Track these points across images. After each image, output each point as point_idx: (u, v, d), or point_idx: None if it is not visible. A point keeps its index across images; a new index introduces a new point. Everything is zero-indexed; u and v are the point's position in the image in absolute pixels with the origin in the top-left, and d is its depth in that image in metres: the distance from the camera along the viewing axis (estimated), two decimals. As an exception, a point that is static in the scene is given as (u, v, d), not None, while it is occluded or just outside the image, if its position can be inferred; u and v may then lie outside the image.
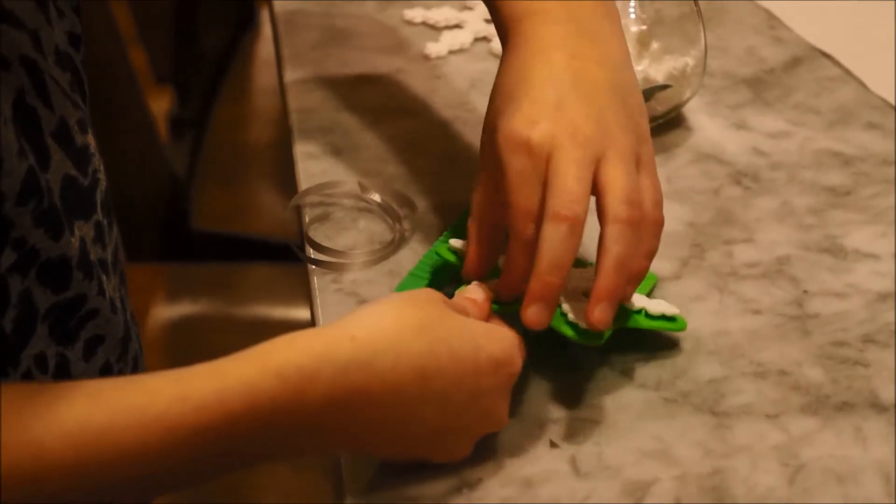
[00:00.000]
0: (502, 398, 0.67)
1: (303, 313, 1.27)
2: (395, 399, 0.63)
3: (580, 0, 0.74)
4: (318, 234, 0.85)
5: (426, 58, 1.06)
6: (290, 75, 1.05)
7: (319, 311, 0.79)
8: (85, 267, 0.72)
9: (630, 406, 0.72)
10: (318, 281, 0.81)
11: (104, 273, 0.76)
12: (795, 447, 0.69)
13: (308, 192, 0.89)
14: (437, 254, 0.78)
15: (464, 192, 0.89)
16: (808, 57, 1.02)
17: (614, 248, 0.68)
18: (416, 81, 1.03)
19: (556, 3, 0.74)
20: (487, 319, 0.71)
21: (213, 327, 1.27)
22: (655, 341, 0.76)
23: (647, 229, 0.70)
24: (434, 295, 0.68)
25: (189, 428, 0.59)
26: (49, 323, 0.70)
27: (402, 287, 0.79)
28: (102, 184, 0.77)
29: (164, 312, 1.30)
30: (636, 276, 0.71)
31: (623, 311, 0.74)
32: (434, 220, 0.86)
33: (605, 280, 0.68)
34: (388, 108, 1.00)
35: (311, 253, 0.84)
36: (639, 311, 0.75)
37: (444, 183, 0.91)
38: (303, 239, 0.85)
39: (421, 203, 0.88)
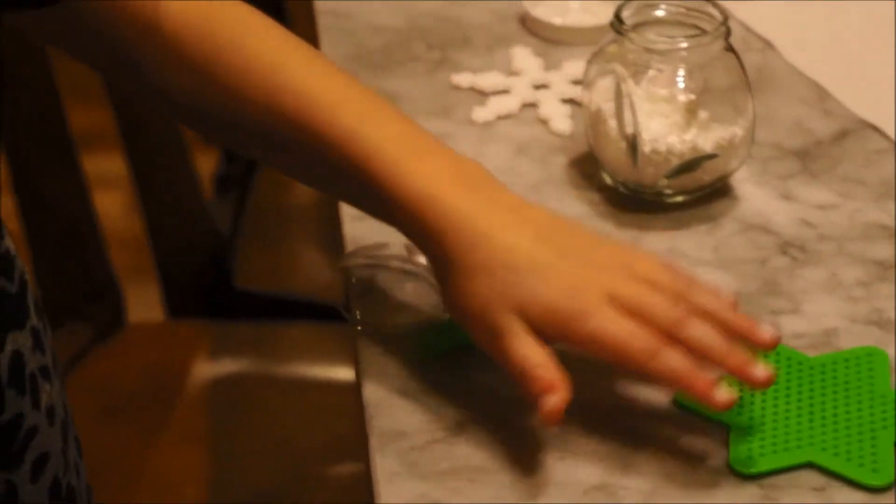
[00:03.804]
0: None
1: (345, 373, 1.27)
2: None
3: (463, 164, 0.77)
4: (364, 296, 0.85)
5: (473, 122, 1.06)
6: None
7: (364, 373, 0.79)
8: (17, 383, 0.70)
9: (677, 477, 0.72)
10: (363, 343, 0.81)
11: (46, 380, 0.74)
12: (843, 522, 0.69)
13: (354, 253, 0.89)
14: None
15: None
16: (856, 129, 1.02)
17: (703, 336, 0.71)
18: (464, 145, 1.03)
19: (453, 181, 0.76)
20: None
21: (255, 385, 1.27)
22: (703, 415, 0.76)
23: (690, 294, 0.72)
24: None
25: None
26: None
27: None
28: (30, 286, 0.75)
29: (206, 370, 1.30)
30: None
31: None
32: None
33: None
34: (435, 172, 1.00)
35: (358, 315, 0.84)
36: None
37: (490, 247, 0.91)
38: (348, 300, 0.85)
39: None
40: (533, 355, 0.70)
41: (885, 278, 0.87)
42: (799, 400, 0.76)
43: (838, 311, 0.84)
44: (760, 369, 0.69)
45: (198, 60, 0.79)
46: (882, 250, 0.90)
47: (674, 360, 0.69)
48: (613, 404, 0.77)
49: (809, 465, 0.72)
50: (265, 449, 1.21)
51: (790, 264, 0.89)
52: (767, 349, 0.72)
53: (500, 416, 0.77)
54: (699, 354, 0.69)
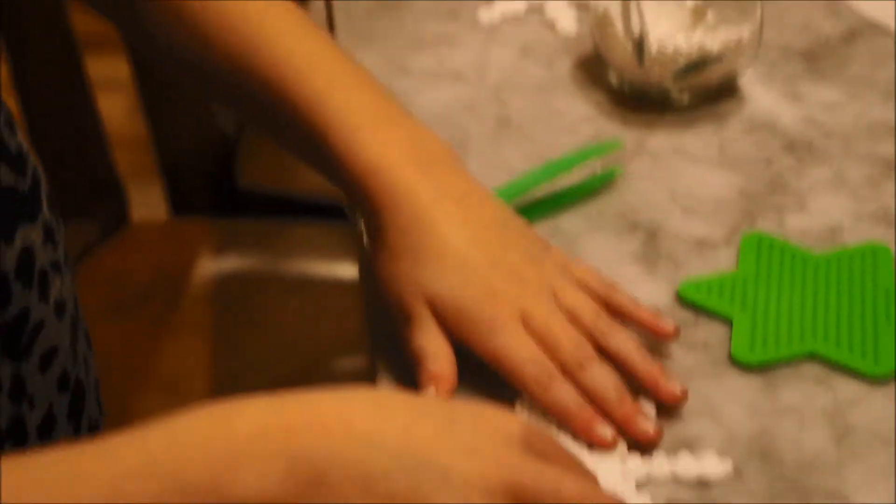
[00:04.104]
0: None
1: (348, 271, 1.28)
2: None
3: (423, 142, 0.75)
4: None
5: (479, 24, 1.06)
6: (343, 40, 1.05)
7: (365, 273, 0.79)
8: (24, 276, 0.70)
9: (679, 369, 0.72)
10: (367, 241, 0.81)
11: (57, 274, 0.74)
12: (844, 410, 0.69)
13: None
14: None
15: (515, 156, 0.90)
16: (864, 30, 1.01)
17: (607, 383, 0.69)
18: (469, 47, 1.03)
19: (406, 156, 0.74)
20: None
21: (259, 282, 1.28)
22: (706, 309, 0.76)
23: (608, 331, 0.71)
24: None
25: None
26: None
27: None
28: (44, 181, 0.75)
29: (211, 266, 1.30)
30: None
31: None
32: (486, 181, 0.86)
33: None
34: (441, 73, 1.00)
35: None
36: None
37: (496, 146, 0.91)
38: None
39: (473, 165, 0.88)
40: (430, 346, 0.70)
41: (890, 176, 0.87)
42: (802, 294, 0.76)
43: (843, 209, 0.84)
44: (647, 425, 0.67)
45: (187, 13, 0.79)
46: (888, 148, 0.90)
47: (563, 394, 0.68)
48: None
49: (811, 357, 0.73)
50: (270, 344, 1.23)
51: (796, 163, 0.89)
52: (668, 402, 0.69)
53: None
54: (592, 399, 0.68)
